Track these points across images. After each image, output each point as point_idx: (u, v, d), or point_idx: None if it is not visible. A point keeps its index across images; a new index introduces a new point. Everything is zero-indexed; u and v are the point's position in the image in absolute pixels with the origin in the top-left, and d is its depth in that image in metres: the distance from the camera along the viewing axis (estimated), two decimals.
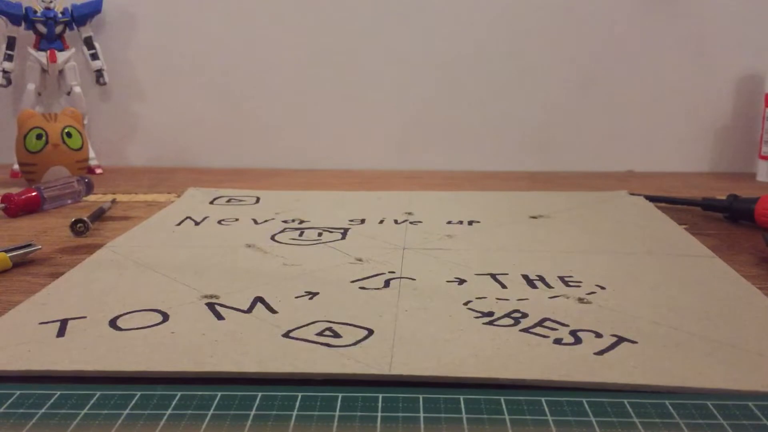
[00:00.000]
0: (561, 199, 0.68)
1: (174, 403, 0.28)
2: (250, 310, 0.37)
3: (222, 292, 0.40)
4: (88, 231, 0.55)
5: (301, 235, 0.55)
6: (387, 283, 0.42)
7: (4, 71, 0.88)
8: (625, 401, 0.28)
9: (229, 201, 0.68)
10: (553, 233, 0.55)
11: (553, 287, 0.41)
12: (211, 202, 0.67)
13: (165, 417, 0.27)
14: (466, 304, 0.38)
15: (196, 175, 0.85)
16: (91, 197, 0.71)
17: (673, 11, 0.89)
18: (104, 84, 0.91)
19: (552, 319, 0.36)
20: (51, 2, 0.87)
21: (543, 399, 0.28)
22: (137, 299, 0.39)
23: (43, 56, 0.87)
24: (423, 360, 0.31)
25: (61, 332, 0.34)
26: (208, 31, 0.92)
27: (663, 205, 0.66)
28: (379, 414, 0.27)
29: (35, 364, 0.31)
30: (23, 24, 0.87)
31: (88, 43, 0.90)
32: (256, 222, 0.59)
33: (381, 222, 0.59)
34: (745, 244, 0.53)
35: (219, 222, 0.59)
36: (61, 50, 0.88)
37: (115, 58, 0.92)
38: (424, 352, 0.32)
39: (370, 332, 0.34)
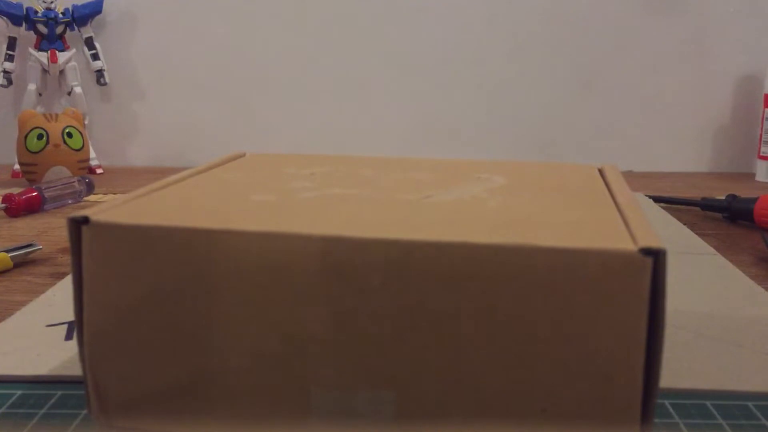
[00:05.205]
0: None
1: None
2: None
3: None
4: None
5: None
6: None
7: (5, 71, 0.88)
8: None
9: None
10: None
11: None
12: None
13: None
14: None
15: None
16: (92, 197, 0.71)
17: (673, 11, 0.89)
18: (105, 84, 0.91)
19: None
20: (52, 3, 0.87)
21: None
22: None
23: (44, 56, 0.87)
24: None
25: (69, 335, 0.34)
26: (208, 32, 0.92)
27: (662, 205, 0.66)
28: None
29: (45, 369, 0.31)
30: (24, 24, 0.87)
31: (89, 43, 0.90)
32: None
33: None
34: (744, 244, 0.53)
35: None
36: (61, 50, 0.88)
37: (115, 59, 0.93)
38: None
39: None
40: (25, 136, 0.77)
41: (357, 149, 0.93)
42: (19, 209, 0.62)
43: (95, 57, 0.90)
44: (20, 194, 0.63)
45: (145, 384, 0.24)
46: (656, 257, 0.21)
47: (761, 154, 0.84)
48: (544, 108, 0.92)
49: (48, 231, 0.57)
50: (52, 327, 0.35)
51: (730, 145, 0.92)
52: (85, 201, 0.69)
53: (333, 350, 0.23)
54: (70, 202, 0.67)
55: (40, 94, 0.89)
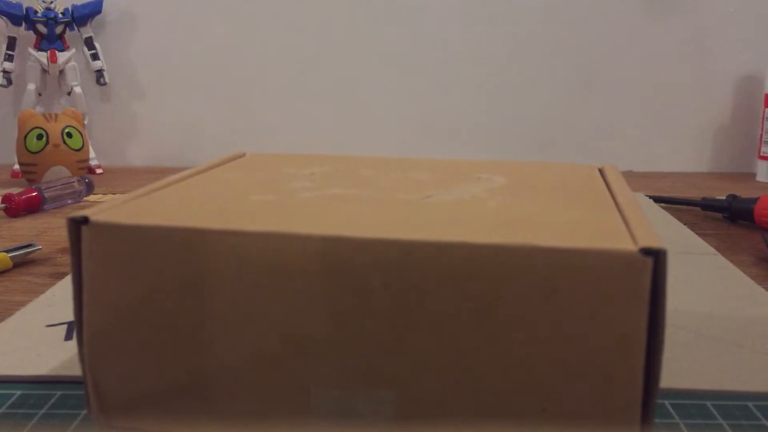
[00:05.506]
0: None
1: None
2: None
3: None
4: None
5: None
6: None
7: (5, 71, 0.88)
8: None
9: None
10: None
11: None
12: None
13: None
14: None
15: None
16: (92, 197, 0.71)
17: (673, 11, 0.89)
18: (104, 84, 0.91)
19: None
20: (52, 3, 0.87)
21: None
22: None
23: (43, 56, 0.87)
24: None
25: (68, 335, 0.34)
26: (208, 31, 0.92)
27: (663, 205, 0.66)
28: None
29: (44, 369, 0.31)
30: (24, 24, 0.87)
31: (89, 43, 0.90)
32: None
33: None
34: (745, 244, 0.53)
35: None
36: (61, 50, 0.88)
37: (115, 59, 0.93)
38: None
39: None
40: (25, 136, 0.77)
41: (357, 149, 0.93)
42: (18, 209, 0.62)
43: (95, 57, 0.90)
44: (20, 194, 0.63)
45: (145, 384, 0.24)
46: (656, 257, 0.21)
47: (761, 154, 0.84)
48: (544, 108, 0.92)
49: (48, 231, 0.57)
50: (52, 327, 0.35)
51: (730, 145, 0.92)
52: (84, 201, 0.69)
53: (333, 350, 0.23)
54: (69, 202, 0.67)
55: (39, 94, 0.89)
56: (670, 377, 0.29)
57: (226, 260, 0.23)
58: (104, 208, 0.25)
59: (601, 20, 0.89)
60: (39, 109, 0.87)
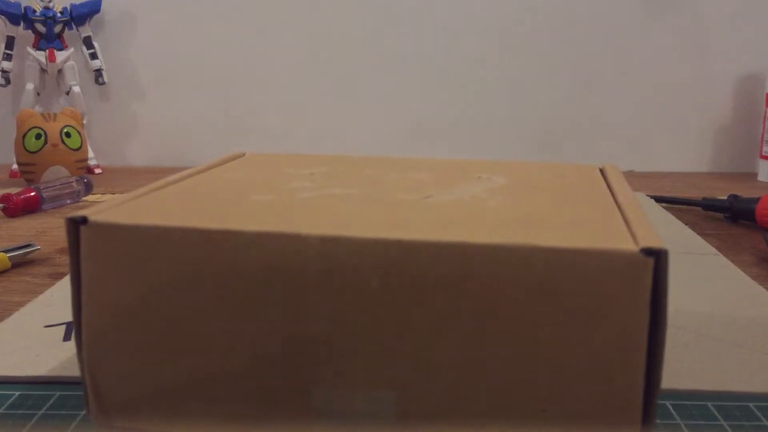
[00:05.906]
0: None
1: None
2: None
3: None
4: None
5: None
6: None
7: (3, 71, 0.88)
8: None
9: None
10: None
11: None
12: None
13: None
14: None
15: None
16: (91, 197, 0.71)
17: (673, 11, 0.89)
18: (103, 83, 0.91)
19: None
20: (50, 2, 0.87)
21: None
22: None
23: (42, 56, 0.87)
24: None
25: (67, 336, 0.34)
26: (208, 31, 0.92)
27: (664, 205, 0.66)
28: None
29: (43, 369, 0.30)
30: (22, 23, 0.87)
31: (87, 42, 0.90)
32: None
33: None
34: (746, 244, 0.52)
35: None
36: (60, 50, 0.88)
37: (114, 58, 0.92)
38: None
39: None
40: (24, 136, 0.76)
41: (357, 149, 0.93)
42: (17, 209, 0.62)
43: (93, 56, 0.90)
44: (18, 194, 0.62)
45: (145, 384, 0.24)
46: (657, 257, 0.21)
47: (763, 153, 0.84)
48: (544, 108, 0.92)
49: (46, 231, 0.57)
50: (51, 327, 0.35)
51: (731, 144, 0.92)
52: (83, 201, 0.69)
53: (333, 350, 0.23)
54: (68, 202, 0.67)
55: (38, 94, 0.89)
56: (671, 378, 0.29)
57: (226, 260, 0.23)
58: (103, 208, 0.25)
59: (601, 20, 0.89)
60: (37, 109, 0.87)
